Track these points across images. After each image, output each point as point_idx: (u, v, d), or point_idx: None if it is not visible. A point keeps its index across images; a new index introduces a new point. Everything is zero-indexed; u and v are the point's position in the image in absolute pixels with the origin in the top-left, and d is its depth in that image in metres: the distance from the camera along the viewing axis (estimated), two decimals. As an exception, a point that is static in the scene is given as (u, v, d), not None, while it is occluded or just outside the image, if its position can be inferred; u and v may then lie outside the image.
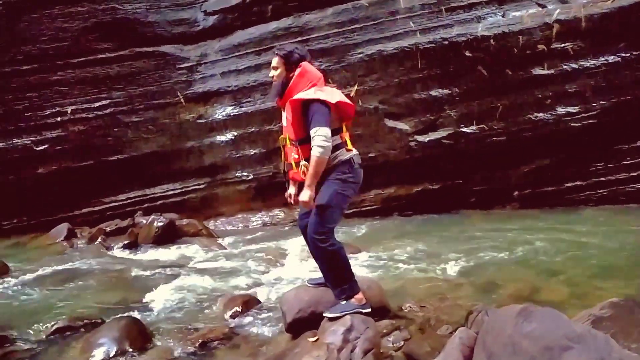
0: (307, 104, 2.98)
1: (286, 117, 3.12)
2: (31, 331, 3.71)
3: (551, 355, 1.96)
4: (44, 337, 3.60)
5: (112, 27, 8.38)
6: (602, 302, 2.75)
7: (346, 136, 3.18)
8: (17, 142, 8.31)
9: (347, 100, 3.18)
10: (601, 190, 7.23)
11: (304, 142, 3.02)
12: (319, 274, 3.47)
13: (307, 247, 3.29)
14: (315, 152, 2.89)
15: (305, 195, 2.92)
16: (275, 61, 3.20)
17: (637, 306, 2.70)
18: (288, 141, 3.13)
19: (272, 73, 3.22)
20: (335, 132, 3.09)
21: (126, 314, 3.85)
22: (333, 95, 3.07)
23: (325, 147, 2.90)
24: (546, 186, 7.44)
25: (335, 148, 3.06)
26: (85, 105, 8.39)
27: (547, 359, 1.96)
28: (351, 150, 3.14)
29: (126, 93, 8.46)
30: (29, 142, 8.33)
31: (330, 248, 3.01)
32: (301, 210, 3.29)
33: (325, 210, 2.99)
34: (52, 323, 3.73)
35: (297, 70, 3.12)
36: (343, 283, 3.07)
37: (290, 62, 3.13)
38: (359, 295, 3.08)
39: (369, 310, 3.07)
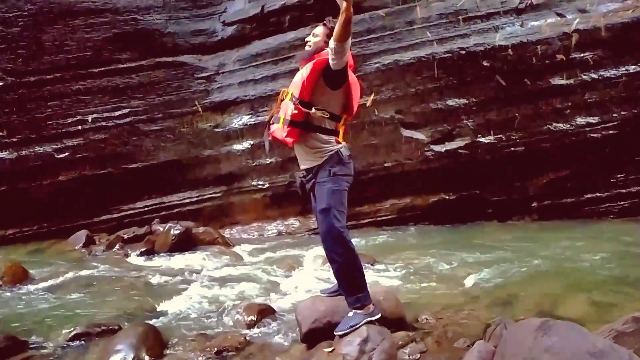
0: (329, 64, 2.95)
1: (301, 74, 3.08)
2: (50, 337, 3.75)
3: (572, 370, 1.92)
4: (62, 343, 3.64)
5: (133, 38, 8.55)
6: (625, 317, 2.68)
7: (341, 128, 3.17)
8: (39, 150, 8.48)
9: (358, 99, 3.20)
10: (622, 202, 7.09)
11: (304, 105, 3.01)
12: (331, 284, 3.45)
13: (324, 255, 3.28)
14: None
15: None
16: (319, 30, 3.21)
17: (661, 322, 2.63)
18: (289, 96, 3.10)
19: (311, 39, 3.22)
20: (335, 118, 3.10)
21: (143, 321, 3.88)
22: (355, 81, 3.10)
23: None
24: (565, 197, 7.33)
25: (329, 132, 3.08)
26: (105, 114, 8.54)
27: (568, 375, 1.92)
28: (340, 142, 3.13)
29: (145, 102, 8.60)
30: (50, 150, 8.49)
31: (345, 250, 2.99)
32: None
33: (328, 212, 2.98)
34: (71, 329, 3.77)
35: None
36: (358, 291, 3.03)
37: None
38: (369, 304, 3.05)
39: (379, 316, 3.03)
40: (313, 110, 3.00)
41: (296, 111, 3.01)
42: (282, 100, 3.17)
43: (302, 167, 3.19)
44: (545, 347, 2.04)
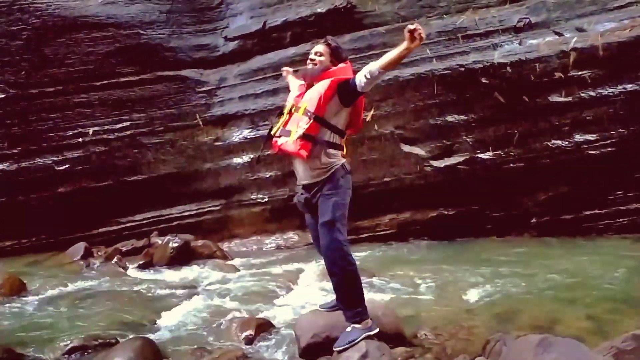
0: (346, 83, 3.07)
1: (316, 90, 3.14)
2: (47, 350, 3.72)
3: (572, 387, 1.92)
4: (59, 356, 3.62)
5: (136, 52, 8.63)
6: (624, 335, 2.69)
7: (344, 143, 3.26)
8: (39, 162, 8.48)
9: (362, 115, 3.34)
10: (621, 219, 7.09)
11: (319, 121, 3.05)
12: (330, 299, 3.43)
13: (322, 269, 3.29)
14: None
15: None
16: (322, 48, 3.28)
17: (660, 339, 2.63)
18: (302, 110, 3.12)
19: (315, 57, 3.27)
20: (341, 134, 3.16)
21: (140, 335, 3.86)
22: (362, 98, 3.24)
23: None
24: (564, 214, 7.33)
25: (335, 147, 3.13)
26: (106, 127, 8.57)
27: (568, 392, 1.91)
28: (344, 157, 3.22)
29: (146, 115, 8.64)
30: (50, 162, 8.49)
31: (347, 264, 3.01)
32: (313, 232, 3.31)
33: (333, 225, 3.00)
34: (68, 342, 3.75)
35: (341, 65, 3.26)
36: (357, 305, 3.04)
37: (336, 56, 3.25)
38: (367, 319, 3.05)
39: (377, 331, 3.04)
40: (325, 132, 3.09)
41: (310, 127, 3.05)
42: (290, 114, 3.20)
43: (306, 181, 3.18)
44: (544, 363, 2.04)
